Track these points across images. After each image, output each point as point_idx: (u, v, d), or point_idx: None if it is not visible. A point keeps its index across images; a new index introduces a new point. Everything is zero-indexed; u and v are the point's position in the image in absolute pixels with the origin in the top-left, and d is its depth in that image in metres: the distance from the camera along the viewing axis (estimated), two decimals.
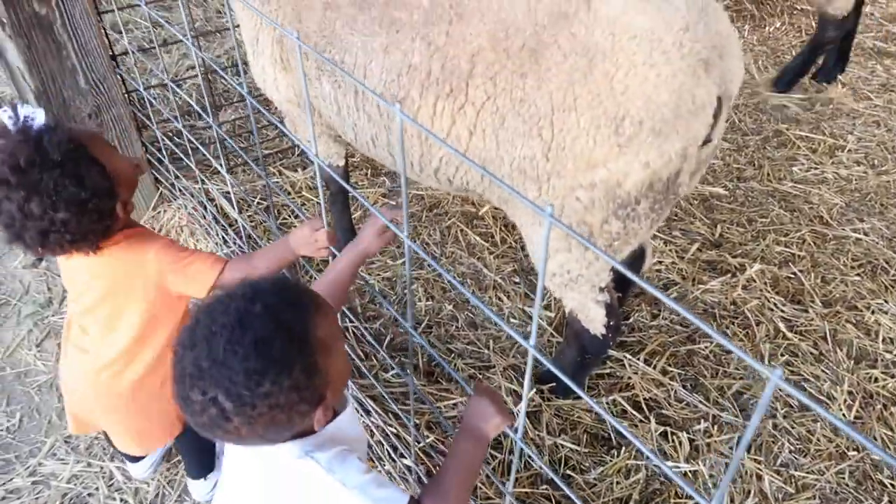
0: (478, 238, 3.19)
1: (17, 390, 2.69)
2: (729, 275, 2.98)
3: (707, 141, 1.75)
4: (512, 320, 2.82)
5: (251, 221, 3.26)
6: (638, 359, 2.61)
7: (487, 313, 1.33)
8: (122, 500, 2.30)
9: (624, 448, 2.33)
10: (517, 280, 2.99)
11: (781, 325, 2.76)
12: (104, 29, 2.88)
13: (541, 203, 1.88)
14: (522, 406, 1.19)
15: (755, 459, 2.32)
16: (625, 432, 0.95)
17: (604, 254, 0.86)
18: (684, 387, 2.55)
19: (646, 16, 1.61)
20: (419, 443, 2.23)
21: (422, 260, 3.10)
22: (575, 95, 1.66)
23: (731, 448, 2.34)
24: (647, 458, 2.30)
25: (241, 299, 1.07)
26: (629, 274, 0.85)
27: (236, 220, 3.22)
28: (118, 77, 2.94)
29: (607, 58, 1.62)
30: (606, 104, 1.63)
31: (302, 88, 2.28)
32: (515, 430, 1.23)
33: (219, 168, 2.73)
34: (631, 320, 2.79)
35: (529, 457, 2.29)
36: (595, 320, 2.16)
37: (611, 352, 2.62)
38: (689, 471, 2.27)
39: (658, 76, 1.58)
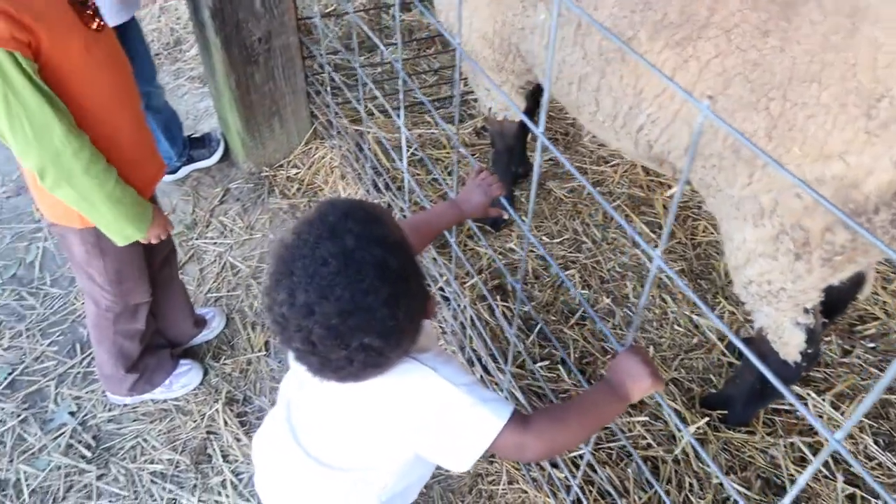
0: (644, 227, 2.87)
1: None
2: None
3: None
4: (676, 327, 2.52)
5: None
6: (823, 399, 2.26)
7: (735, 341, 1.05)
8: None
9: (802, 503, 2.02)
10: (685, 282, 2.67)
11: None
12: None
13: (748, 193, 1.58)
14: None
15: None
16: None
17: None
18: (876, 442, 2.18)
19: None
20: None
21: (579, 243, 2.83)
22: (823, 64, 1.35)
23: None
24: None
25: (327, 241, 0.97)
26: None
27: (391, 168, 3.04)
28: (293, 3, 2.79)
29: (879, 21, 1.29)
30: (862, 78, 1.31)
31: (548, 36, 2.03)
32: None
33: (389, 110, 2.54)
34: None
35: (690, 488, 2.03)
36: (790, 344, 1.84)
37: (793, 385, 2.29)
38: None
39: None
